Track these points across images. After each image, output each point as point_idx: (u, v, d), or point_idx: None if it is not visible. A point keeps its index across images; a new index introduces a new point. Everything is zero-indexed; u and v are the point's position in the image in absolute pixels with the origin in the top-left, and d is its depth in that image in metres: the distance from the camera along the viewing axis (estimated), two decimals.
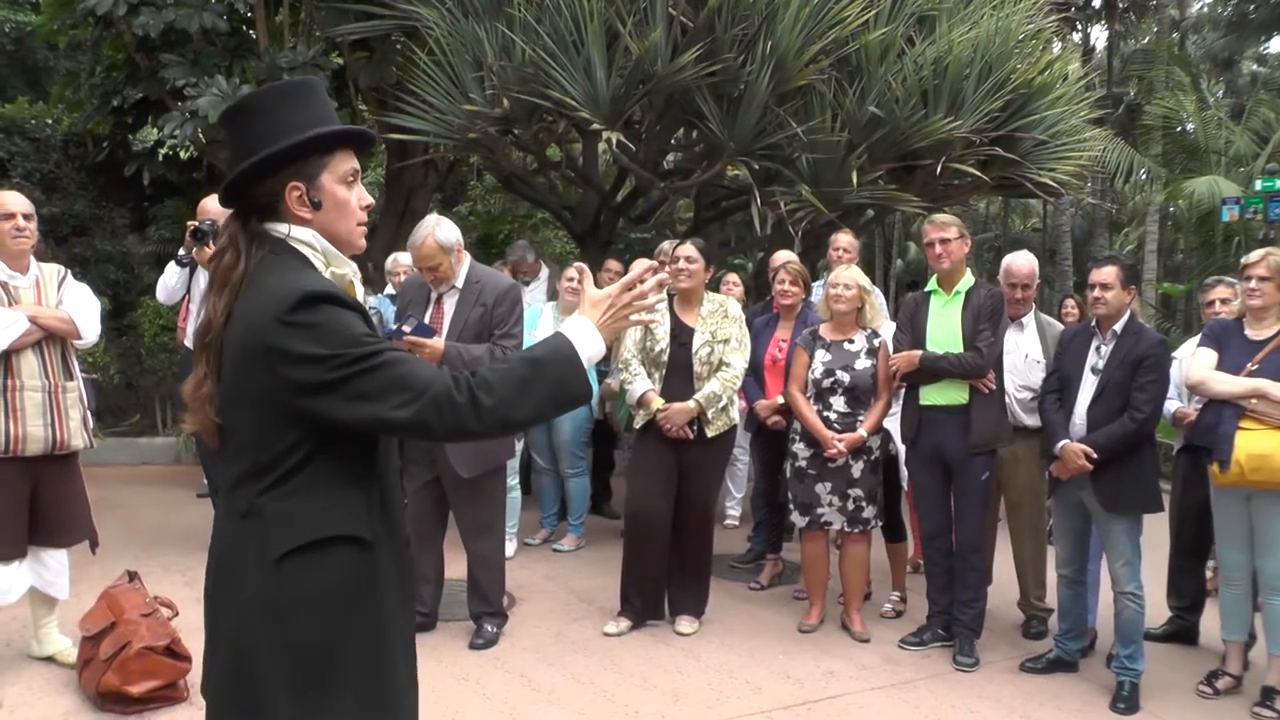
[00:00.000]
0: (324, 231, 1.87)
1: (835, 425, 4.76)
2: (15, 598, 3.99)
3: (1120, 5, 18.40)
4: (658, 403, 4.70)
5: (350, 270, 1.94)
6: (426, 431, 1.76)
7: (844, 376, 4.76)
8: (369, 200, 1.94)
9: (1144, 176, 14.72)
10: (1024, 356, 4.89)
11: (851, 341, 4.83)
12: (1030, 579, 5.06)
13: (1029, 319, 5.02)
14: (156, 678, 3.77)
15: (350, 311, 1.78)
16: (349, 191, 1.89)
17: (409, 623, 2.00)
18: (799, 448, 4.86)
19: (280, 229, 1.85)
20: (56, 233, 8.77)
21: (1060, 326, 5.12)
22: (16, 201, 3.97)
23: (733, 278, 6.50)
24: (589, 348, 1.86)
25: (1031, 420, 4.80)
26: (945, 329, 4.60)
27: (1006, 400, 4.84)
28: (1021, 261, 5.05)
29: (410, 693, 1.99)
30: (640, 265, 1.88)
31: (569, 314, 6.07)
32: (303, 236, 1.86)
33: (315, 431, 1.78)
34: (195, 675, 3.92)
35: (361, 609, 1.84)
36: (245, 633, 1.80)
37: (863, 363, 4.78)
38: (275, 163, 1.81)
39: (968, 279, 4.67)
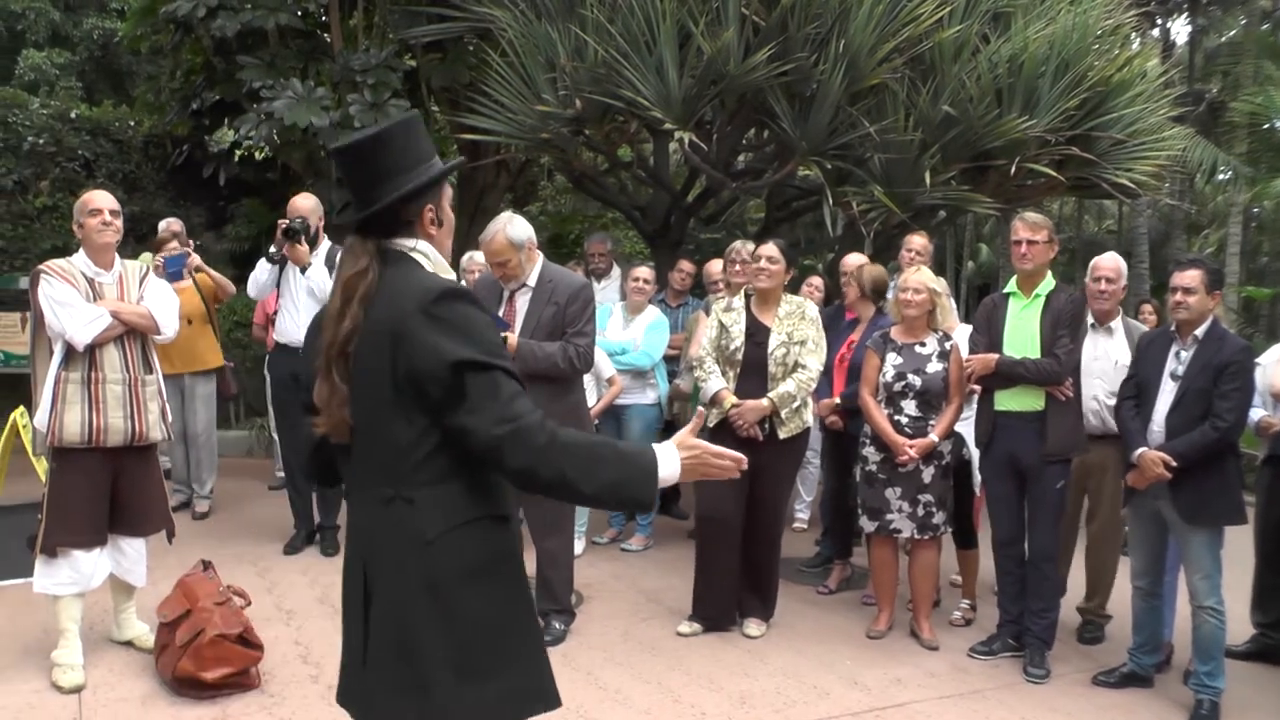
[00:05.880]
0: (439, 247, 2.09)
1: (906, 430, 4.69)
2: (98, 583, 4.10)
3: None
4: (730, 400, 4.68)
5: (451, 279, 2.11)
6: (498, 457, 1.86)
7: (915, 380, 4.69)
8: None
9: (1227, 176, 14.26)
10: (1114, 363, 4.75)
11: (923, 344, 4.76)
12: (1100, 585, 4.97)
13: (1117, 324, 4.90)
14: (229, 665, 3.86)
15: (483, 314, 1.96)
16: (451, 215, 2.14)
17: (530, 592, 2.16)
18: (869, 451, 4.80)
19: (408, 244, 2.04)
20: (136, 231, 8.98)
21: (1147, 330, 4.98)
22: (103, 199, 4.09)
23: (815, 281, 6.45)
24: (666, 469, 1.92)
25: None
26: (1023, 333, 4.51)
27: (1096, 408, 4.74)
28: (1108, 256, 4.96)
29: (547, 659, 2.12)
30: (735, 457, 1.99)
31: (637, 313, 6.11)
32: (424, 250, 2.05)
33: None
34: (266, 663, 4.03)
35: (512, 580, 2.02)
36: (407, 613, 1.92)
37: (934, 366, 4.71)
38: (427, 185, 2.02)
39: (1048, 282, 4.57)
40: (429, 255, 2.04)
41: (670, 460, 1.92)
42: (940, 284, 4.89)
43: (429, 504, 1.91)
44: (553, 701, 2.07)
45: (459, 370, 1.85)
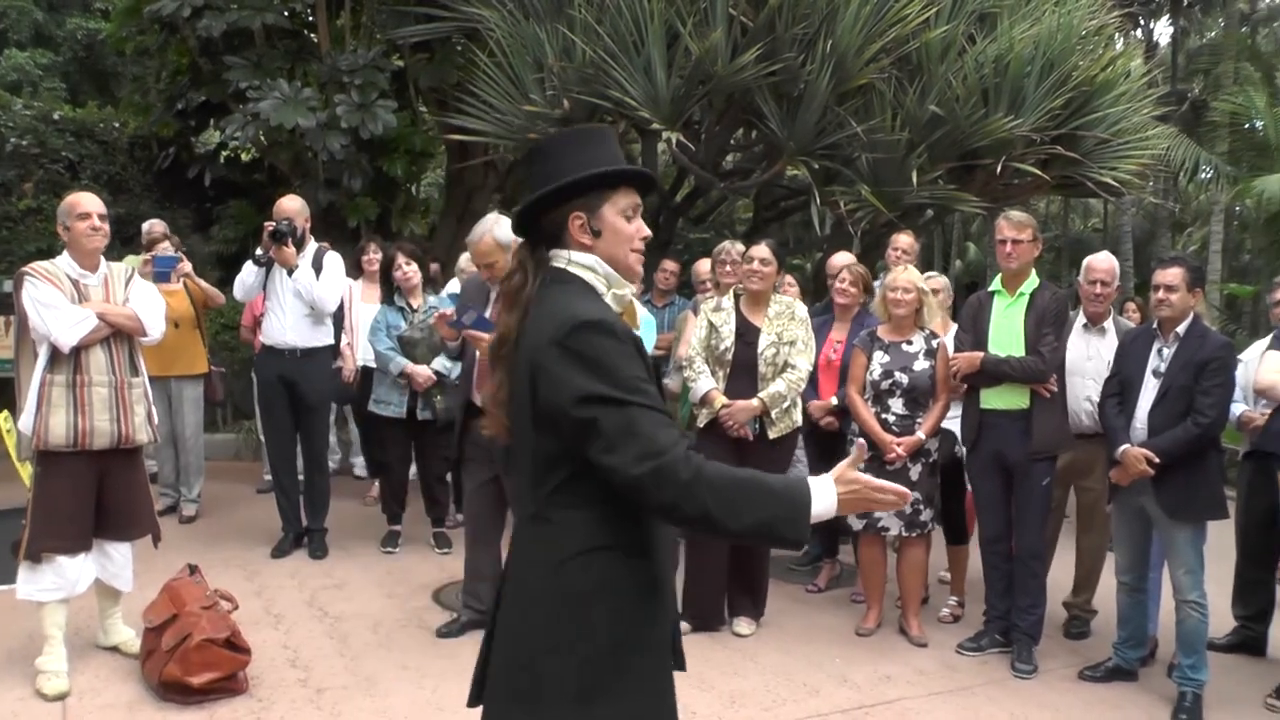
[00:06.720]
0: (604, 257, 2.01)
1: (893, 428, 4.71)
2: (83, 589, 4.07)
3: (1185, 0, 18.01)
4: (720, 400, 4.69)
5: (630, 291, 2.09)
6: (641, 495, 1.81)
7: (902, 378, 4.71)
8: (646, 232, 2.08)
9: (1209, 174, 14.34)
10: (1107, 363, 4.76)
11: (910, 343, 4.78)
12: (1087, 580, 5.02)
13: (1109, 324, 4.92)
14: (216, 669, 3.83)
15: (623, 345, 1.87)
16: (628, 224, 2.03)
17: (668, 626, 2.07)
18: None
19: (562, 256, 2.00)
20: (122, 234, 8.94)
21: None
22: (92, 202, 4.05)
23: (788, 278, 6.45)
24: (820, 505, 1.84)
25: None
26: (1008, 331, 4.54)
27: (1090, 408, 4.75)
28: (1102, 258, 4.97)
29: (672, 694, 2.05)
30: (899, 491, 1.89)
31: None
32: (584, 262, 1.99)
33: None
34: (254, 667, 4.02)
35: (637, 613, 1.94)
36: (529, 627, 1.92)
37: (921, 364, 4.73)
38: (560, 195, 1.97)
39: (1032, 281, 4.60)
40: (595, 268, 1.99)
41: (826, 495, 1.83)
42: (941, 281, 4.90)
43: (564, 526, 1.90)
44: None
45: (588, 407, 1.80)
